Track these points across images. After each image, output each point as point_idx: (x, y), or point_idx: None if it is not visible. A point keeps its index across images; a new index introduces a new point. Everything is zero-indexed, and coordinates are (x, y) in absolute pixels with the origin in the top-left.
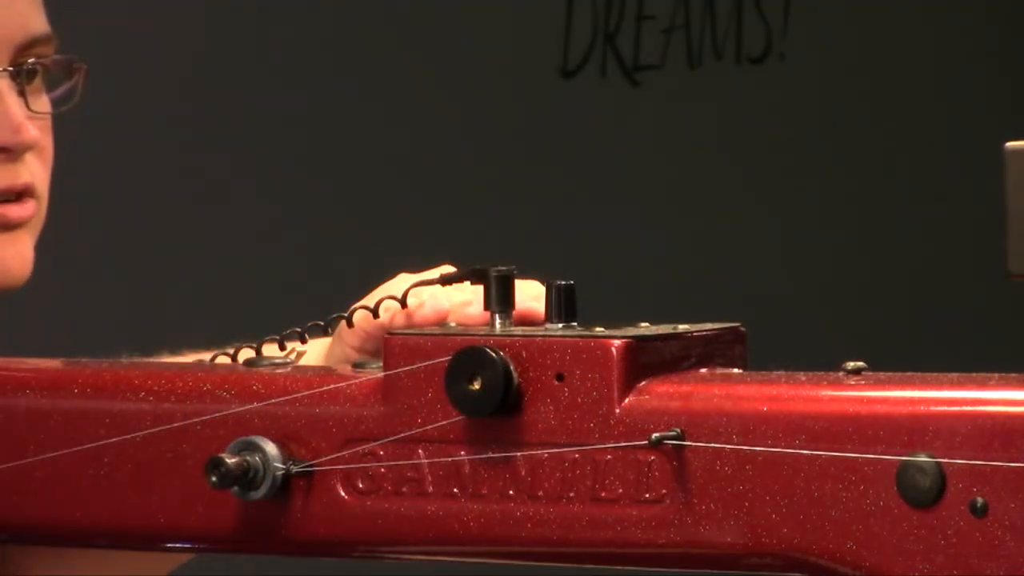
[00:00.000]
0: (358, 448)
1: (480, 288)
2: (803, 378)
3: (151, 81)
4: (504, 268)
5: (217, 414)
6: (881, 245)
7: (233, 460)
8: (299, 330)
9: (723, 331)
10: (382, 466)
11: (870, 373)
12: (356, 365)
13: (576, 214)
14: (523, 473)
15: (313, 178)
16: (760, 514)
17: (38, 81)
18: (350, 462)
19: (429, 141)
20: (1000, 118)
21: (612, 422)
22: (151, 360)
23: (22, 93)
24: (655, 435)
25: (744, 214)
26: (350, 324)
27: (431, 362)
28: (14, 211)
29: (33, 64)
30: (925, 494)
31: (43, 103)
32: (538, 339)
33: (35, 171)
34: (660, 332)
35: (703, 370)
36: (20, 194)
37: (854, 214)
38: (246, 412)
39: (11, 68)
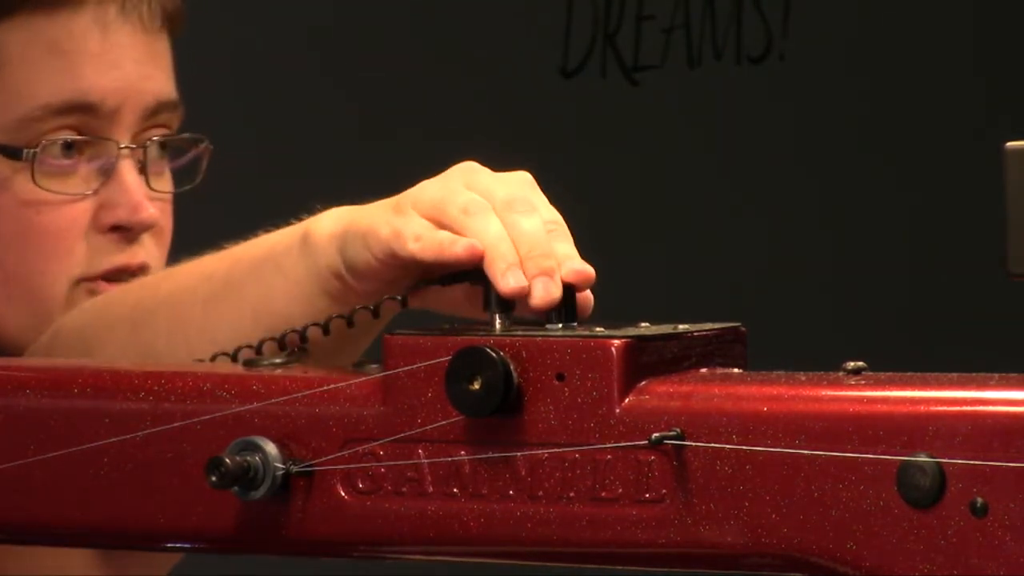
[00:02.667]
0: (358, 448)
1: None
2: (803, 378)
3: None
4: None
5: (217, 414)
6: (881, 245)
7: (233, 460)
8: (299, 330)
9: (723, 331)
10: (382, 466)
11: (870, 373)
12: (356, 365)
13: (575, 214)
14: (523, 473)
15: (310, 179)
16: (760, 514)
17: (161, 156)
18: (350, 462)
19: (429, 141)
20: (1000, 118)
21: (612, 422)
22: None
23: (143, 170)
24: (655, 435)
25: (744, 214)
26: (350, 324)
27: (431, 362)
28: None
29: (156, 141)
30: (925, 494)
31: (164, 181)
32: (538, 339)
33: (151, 251)
34: (660, 332)
35: (703, 370)
36: (135, 275)
37: (854, 214)
38: (246, 412)
39: (133, 145)
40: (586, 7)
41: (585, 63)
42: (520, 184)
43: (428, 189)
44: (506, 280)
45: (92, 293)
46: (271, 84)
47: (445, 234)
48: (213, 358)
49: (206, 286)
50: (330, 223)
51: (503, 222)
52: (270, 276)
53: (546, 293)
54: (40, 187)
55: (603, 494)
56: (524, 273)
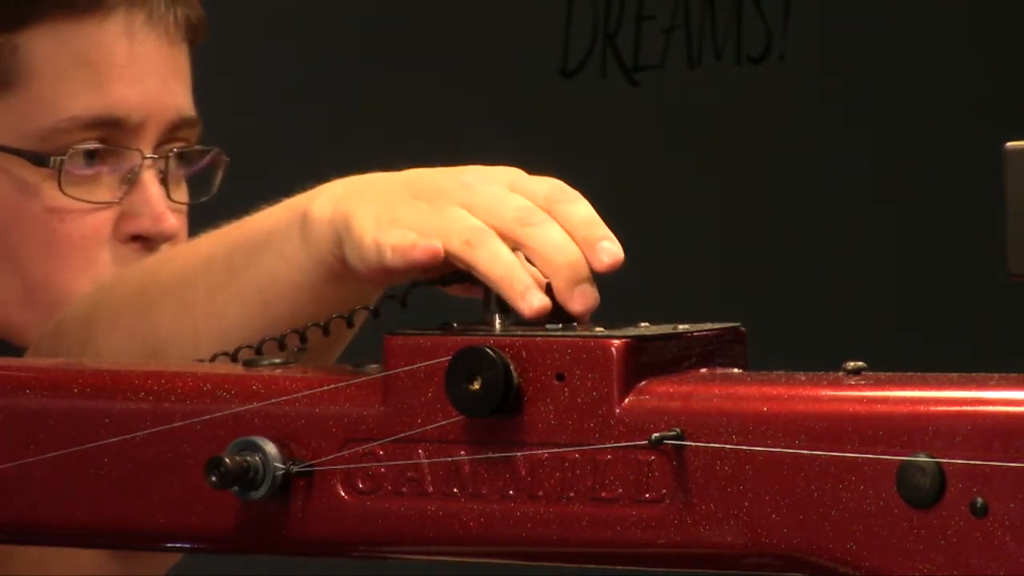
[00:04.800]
0: (358, 448)
1: None
2: (803, 378)
3: None
4: None
5: (217, 414)
6: (881, 245)
7: (233, 460)
8: (299, 330)
9: (723, 331)
10: (382, 466)
11: (870, 373)
12: (356, 365)
13: None
14: (523, 473)
15: (309, 180)
16: (760, 514)
17: (179, 167)
18: (350, 462)
19: (429, 141)
20: (1000, 118)
21: (612, 422)
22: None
23: (164, 181)
24: (655, 435)
25: (744, 214)
26: (350, 325)
27: (431, 362)
28: None
29: (177, 152)
30: (925, 494)
31: (182, 192)
32: (538, 339)
33: None
34: (660, 332)
35: (703, 370)
36: None
37: (854, 214)
38: (246, 412)
39: (156, 156)
40: (586, 7)
41: (585, 63)
42: (518, 195)
43: (422, 215)
44: (528, 303)
45: None
46: (273, 85)
47: (403, 236)
48: (213, 358)
49: (207, 272)
50: (327, 208)
51: (521, 242)
52: (272, 262)
53: (584, 300)
54: (66, 195)
55: (603, 494)
56: (558, 288)
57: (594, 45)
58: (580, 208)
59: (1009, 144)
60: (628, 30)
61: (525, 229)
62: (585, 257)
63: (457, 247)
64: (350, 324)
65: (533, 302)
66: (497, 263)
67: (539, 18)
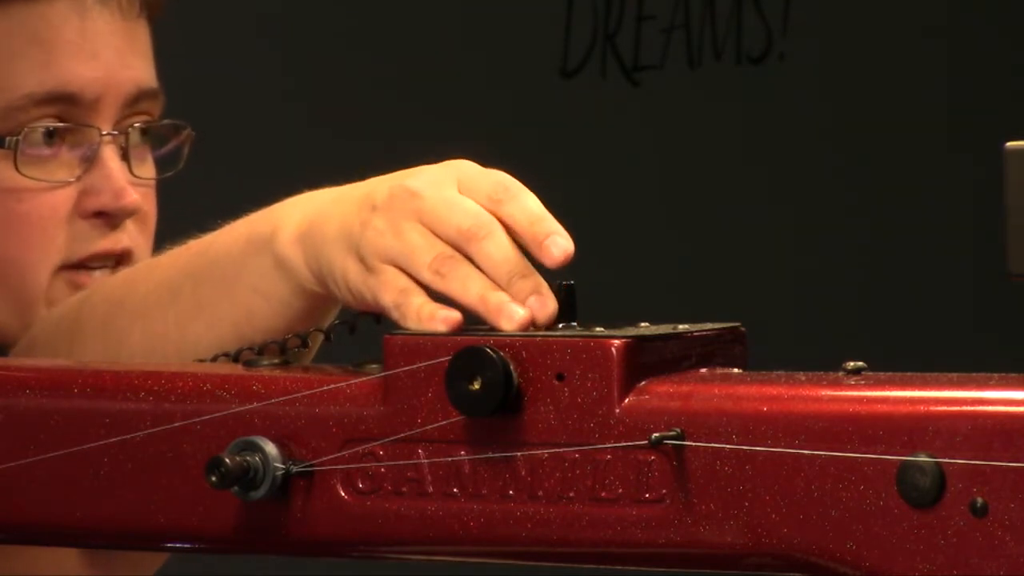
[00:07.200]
0: (358, 448)
1: None
2: (803, 378)
3: None
4: None
5: (217, 414)
6: (881, 245)
7: (233, 460)
8: (301, 335)
9: (723, 331)
10: (382, 466)
11: (870, 373)
12: (356, 365)
13: (575, 214)
14: (523, 473)
15: (309, 181)
16: (760, 514)
17: (143, 143)
18: (350, 462)
19: (428, 141)
20: (1000, 118)
21: (612, 422)
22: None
23: (125, 156)
24: (655, 435)
25: (744, 214)
26: (352, 331)
27: (431, 362)
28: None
29: (138, 127)
30: (925, 494)
31: (147, 167)
32: (538, 339)
33: (135, 238)
34: (660, 332)
35: (703, 370)
36: (119, 260)
37: (854, 214)
38: (246, 412)
39: (115, 132)
40: (586, 7)
41: (585, 63)
42: (466, 199)
43: (384, 238)
44: (509, 320)
45: (73, 283)
46: (264, 77)
47: (423, 306)
48: (214, 358)
49: (175, 305)
50: (295, 247)
51: (470, 258)
52: (247, 297)
53: (543, 310)
54: (22, 175)
55: (603, 494)
56: (514, 301)
57: (594, 45)
58: (524, 203)
59: (1009, 144)
60: (628, 30)
61: (471, 245)
62: (535, 255)
63: (428, 278)
64: (352, 331)
65: (514, 317)
66: (469, 291)
67: (539, 18)
